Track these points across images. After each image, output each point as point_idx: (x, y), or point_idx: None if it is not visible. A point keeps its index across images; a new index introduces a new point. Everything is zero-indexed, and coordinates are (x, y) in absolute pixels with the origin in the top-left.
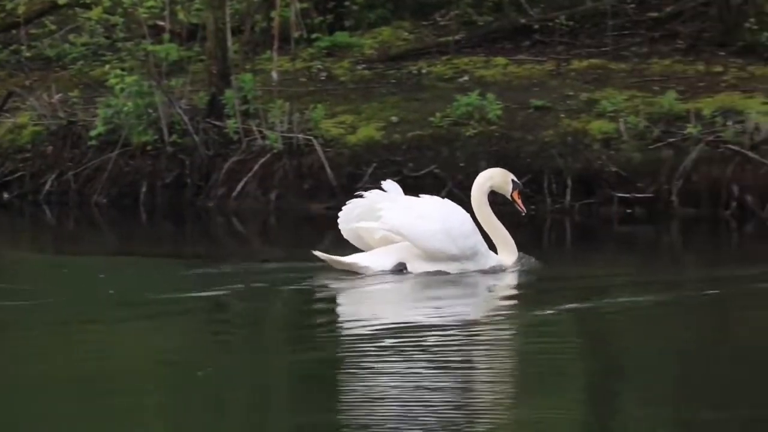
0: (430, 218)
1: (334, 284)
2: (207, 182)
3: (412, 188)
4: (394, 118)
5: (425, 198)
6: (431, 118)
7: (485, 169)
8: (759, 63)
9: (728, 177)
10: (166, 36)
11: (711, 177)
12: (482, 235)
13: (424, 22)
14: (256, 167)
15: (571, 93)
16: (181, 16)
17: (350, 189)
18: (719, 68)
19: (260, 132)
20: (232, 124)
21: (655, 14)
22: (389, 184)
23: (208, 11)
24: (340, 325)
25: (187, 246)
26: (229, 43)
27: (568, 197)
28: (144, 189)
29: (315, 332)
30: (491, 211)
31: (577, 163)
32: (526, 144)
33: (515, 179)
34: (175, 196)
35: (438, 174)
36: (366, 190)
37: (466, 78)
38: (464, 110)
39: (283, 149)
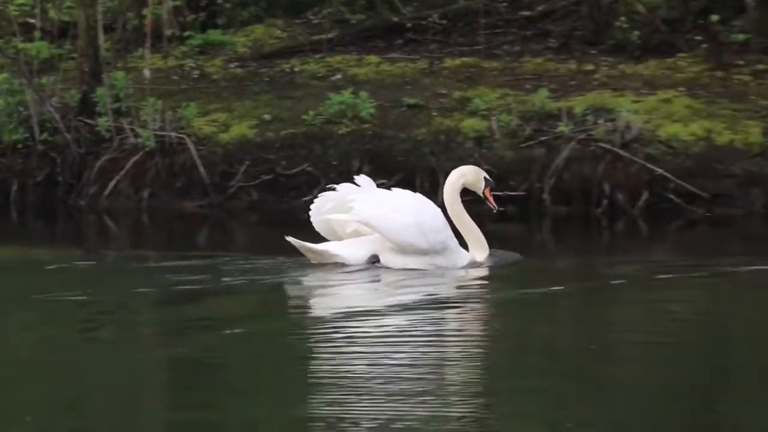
0: (402, 211)
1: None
2: (79, 181)
3: (284, 187)
4: (267, 117)
5: (397, 191)
6: (304, 117)
7: (358, 167)
8: (629, 61)
9: (599, 175)
10: (37, 34)
11: (582, 175)
12: (454, 231)
13: (297, 21)
14: (128, 165)
15: (443, 91)
16: (52, 13)
17: (223, 187)
18: (590, 67)
19: (132, 130)
20: (103, 123)
21: (527, 13)
22: (362, 179)
23: (80, 9)
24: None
25: (57, 244)
26: (101, 41)
27: (440, 196)
28: (15, 187)
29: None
30: (463, 208)
31: (449, 161)
32: (398, 142)
33: (488, 177)
34: (46, 195)
35: (311, 172)
36: (234, 188)
37: (339, 76)
38: (337, 108)
39: (155, 147)
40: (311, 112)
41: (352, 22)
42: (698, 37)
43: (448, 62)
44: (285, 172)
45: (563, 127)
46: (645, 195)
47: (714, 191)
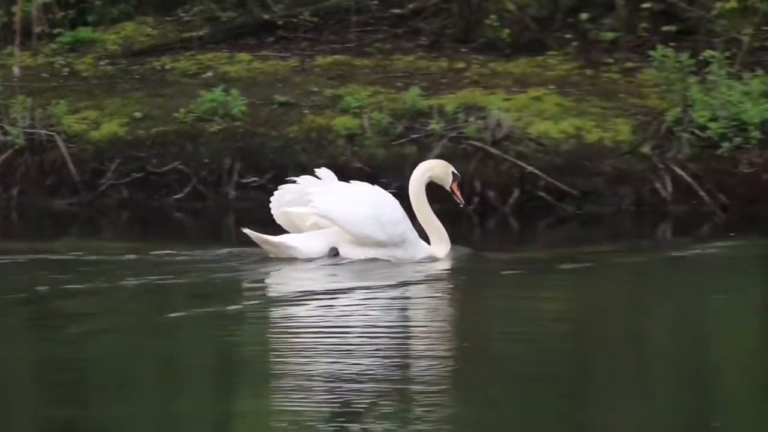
0: (360, 204)
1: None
2: None
3: (155, 185)
4: (137, 114)
5: (355, 184)
6: (175, 114)
7: (229, 165)
8: (500, 59)
9: (470, 173)
10: None
11: None
12: (417, 226)
13: (168, 18)
14: None
15: (315, 89)
16: None
17: (93, 185)
18: (461, 65)
19: (1, 128)
20: None
21: (397, 11)
22: (323, 172)
23: None
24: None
25: None
26: None
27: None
28: None
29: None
30: (427, 202)
31: (321, 159)
32: (270, 140)
33: (455, 171)
34: None
35: (182, 170)
36: (105, 186)
37: (210, 74)
38: (208, 106)
39: (24, 145)
40: (182, 110)
41: (223, 19)
42: (568, 36)
43: (320, 60)
44: (156, 170)
45: (434, 125)
46: (516, 192)
47: (584, 189)
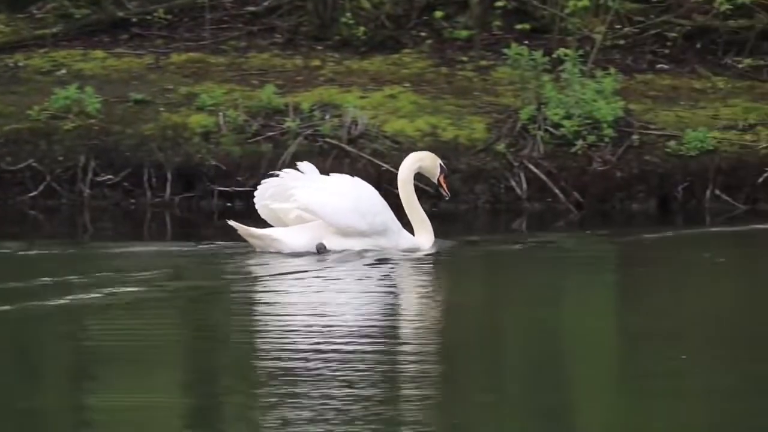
0: (341, 195)
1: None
2: None
3: (9, 183)
4: None
5: (335, 176)
6: (29, 112)
7: (84, 163)
8: (355, 57)
9: (326, 171)
10: None
11: None
12: (402, 216)
13: (20, 15)
14: None
15: (170, 86)
16: None
17: None
18: (317, 62)
19: None
20: None
21: (252, 8)
22: (305, 166)
23: None
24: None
25: None
26: None
27: (168, 191)
28: None
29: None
30: (414, 193)
31: (176, 156)
32: (125, 138)
33: (443, 164)
34: None
35: (36, 168)
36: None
37: (64, 71)
38: (62, 104)
39: None
40: (36, 108)
41: (77, 16)
42: (423, 34)
43: (175, 58)
44: (9, 167)
45: (290, 123)
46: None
47: None
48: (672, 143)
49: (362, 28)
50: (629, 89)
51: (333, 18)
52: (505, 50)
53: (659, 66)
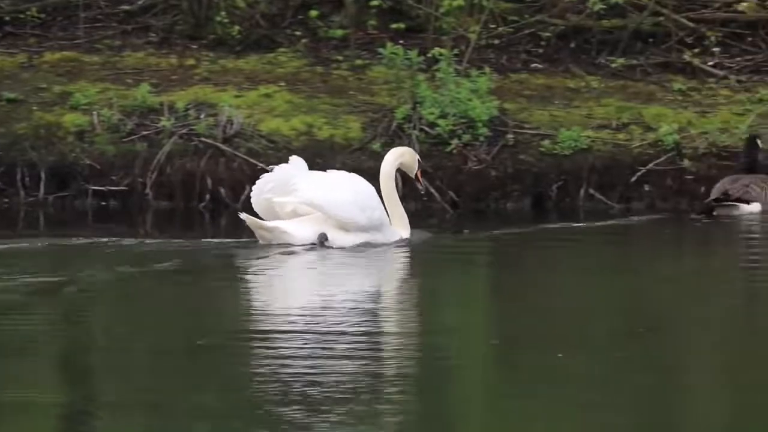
0: (341, 190)
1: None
2: None
3: None
4: None
5: (333, 172)
6: None
7: None
8: (230, 56)
9: (202, 170)
10: None
11: (185, 170)
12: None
13: None
14: None
15: (44, 85)
16: None
17: None
18: (192, 61)
19: None
20: None
21: (127, 7)
22: (295, 160)
23: None
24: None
25: None
26: None
27: (42, 190)
28: None
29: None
30: (395, 188)
31: (50, 156)
32: None
33: (420, 159)
34: None
35: None
36: None
37: None
38: None
39: None
40: None
41: None
42: (298, 33)
43: (48, 56)
44: None
45: (165, 122)
46: (248, 189)
47: None
48: (546, 142)
49: (237, 27)
50: (504, 88)
51: (208, 17)
52: (381, 49)
53: (533, 65)
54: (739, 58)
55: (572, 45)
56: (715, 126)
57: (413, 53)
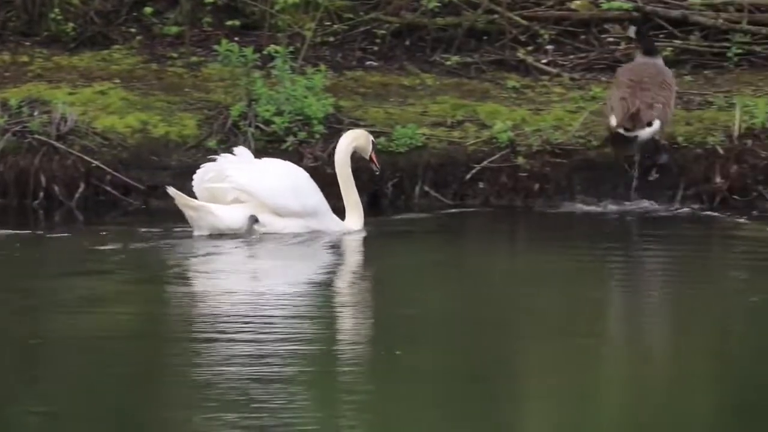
0: (275, 176)
1: None
2: None
3: None
4: None
5: (268, 160)
6: None
7: None
8: (64, 53)
9: (35, 167)
10: None
11: (18, 167)
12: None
13: None
14: None
15: None
16: None
17: None
18: (25, 58)
19: None
20: None
21: None
22: (240, 150)
23: None
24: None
25: None
26: None
27: None
28: None
29: None
30: (351, 174)
31: None
32: None
33: (374, 140)
34: None
35: None
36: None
37: None
38: None
39: None
40: None
41: None
42: (133, 29)
43: None
44: None
45: None
46: (82, 187)
47: (150, 183)
48: (381, 140)
49: (71, 24)
50: (339, 86)
51: (41, 13)
52: (216, 47)
53: (368, 63)
54: (572, 56)
55: (407, 43)
56: (549, 123)
57: (249, 51)
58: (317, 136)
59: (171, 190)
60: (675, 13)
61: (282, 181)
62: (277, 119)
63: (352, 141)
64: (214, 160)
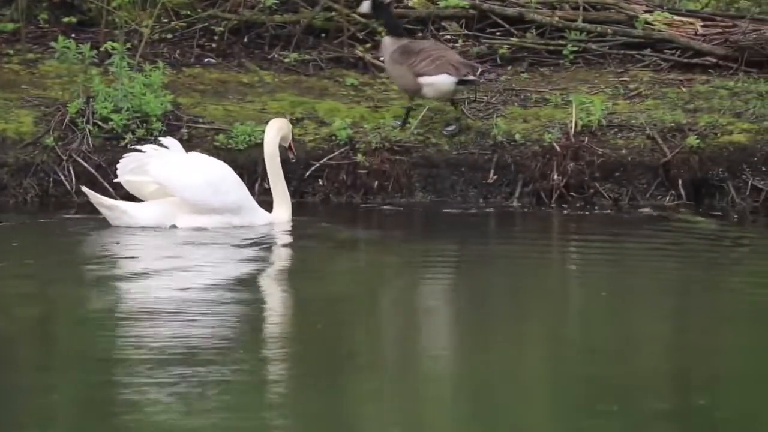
0: (194, 171)
1: None
2: None
3: None
4: None
5: (192, 154)
6: None
7: None
8: None
9: None
10: None
11: None
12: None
13: None
14: None
15: None
16: None
17: None
18: None
19: None
20: None
21: None
22: (169, 141)
23: None
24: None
25: None
26: None
27: None
28: None
29: None
30: (280, 165)
31: None
32: None
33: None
34: None
35: None
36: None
37: None
38: None
39: None
40: None
41: None
42: None
43: None
44: None
45: None
46: None
47: None
48: (221, 137)
49: None
50: (178, 83)
51: None
52: (53, 43)
53: (207, 60)
54: None
55: (245, 40)
56: (387, 121)
57: (86, 47)
58: (156, 133)
59: (85, 189)
60: (511, 10)
61: (200, 177)
62: (115, 116)
63: (278, 131)
64: (138, 150)
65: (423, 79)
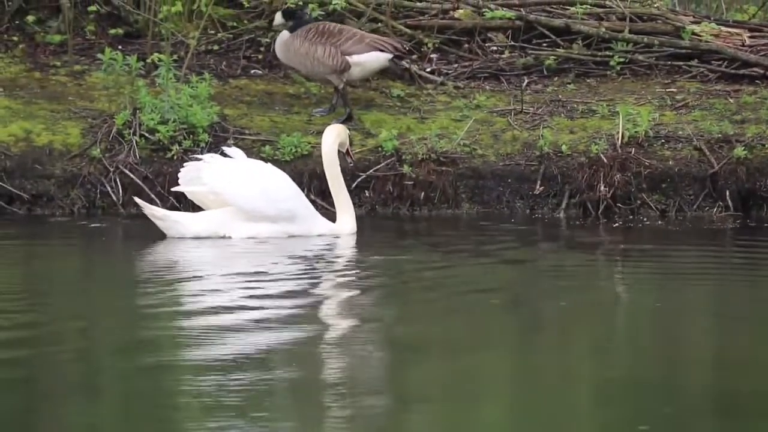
0: (249, 179)
1: None
2: None
3: None
4: None
5: (248, 161)
6: None
7: None
8: None
9: None
10: None
11: None
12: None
13: None
14: None
15: None
16: None
17: None
18: None
19: None
20: None
21: None
22: (233, 150)
23: None
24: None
25: None
26: None
27: None
28: None
29: None
30: (341, 173)
31: None
32: None
33: (349, 133)
34: None
35: None
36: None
37: None
38: None
39: None
40: None
41: None
42: (15, 38)
43: None
44: None
45: None
46: None
47: (34, 191)
48: (267, 148)
49: None
50: (224, 94)
51: None
52: (99, 55)
53: (253, 71)
54: (456, 65)
55: None
56: (434, 132)
57: (132, 59)
58: (202, 144)
59: (138, 201)
60: (558, 21)
61: (255, 186)
62: (161, 128)
63: (336, 138)
64: (198, 159)
65: (353, 58)
